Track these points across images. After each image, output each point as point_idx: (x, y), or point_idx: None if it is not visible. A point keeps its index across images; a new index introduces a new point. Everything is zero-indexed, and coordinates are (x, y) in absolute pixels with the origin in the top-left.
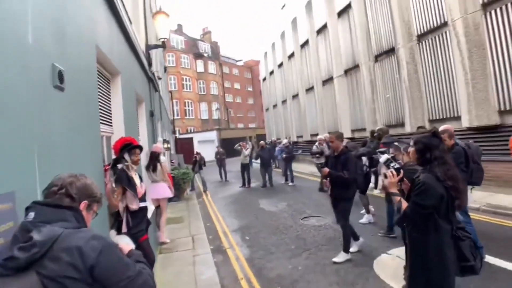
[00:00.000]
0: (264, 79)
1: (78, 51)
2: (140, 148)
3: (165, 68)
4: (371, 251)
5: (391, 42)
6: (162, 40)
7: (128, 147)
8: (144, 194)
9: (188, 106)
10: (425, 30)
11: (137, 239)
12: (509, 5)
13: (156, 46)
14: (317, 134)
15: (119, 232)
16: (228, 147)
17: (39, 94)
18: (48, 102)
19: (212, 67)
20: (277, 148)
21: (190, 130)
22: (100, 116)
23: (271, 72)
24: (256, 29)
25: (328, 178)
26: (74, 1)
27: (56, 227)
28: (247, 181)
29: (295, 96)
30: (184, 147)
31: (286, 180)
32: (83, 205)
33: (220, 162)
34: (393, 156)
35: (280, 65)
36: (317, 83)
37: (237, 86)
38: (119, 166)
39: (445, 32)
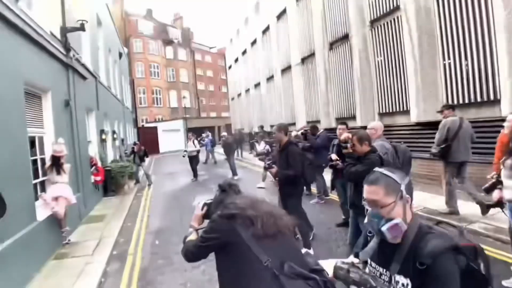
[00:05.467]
0: (230, 67)
1: None
2: None
3: (120, 54)
4: None
5: (345, 28)
6: (81, 22)
7: None
8: None
9: (156, 94)
10: (378, 15)
11: None
12: None
13: (74, 29)
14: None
15: None
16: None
17: None
18: None
19: (182, 54)
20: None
21: (159, 119)
22: None
23: (236, 60)
24: (229, 15)
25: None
26: None
27: None
28: (194, 174)
29: (257, 85)
30: (147, 136)
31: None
32: None
33: (228, 153)
34: None
35: (244, 52)
36: (277, 72)
37: (210, 73)
38: None
39: (397, 17)
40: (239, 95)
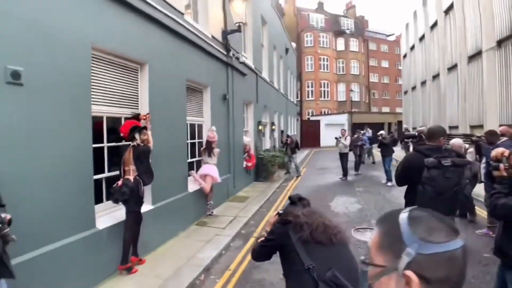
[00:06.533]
0: (405, 56)
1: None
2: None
3: (287, 50)
4: None
5: None
6: (238, 24)
7: (137, 128)
8: None
9: (324, 87)
10: None
11: None
12: None
13: (232, 31)
14: (456, 127)
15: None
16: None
17: None
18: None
19: (354, 45)
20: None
21: (325, 112)
22: (125, 101)
23: (412, 47)
24: None
25: None
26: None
27: None
28: (344, 172)
29: (435, 77)
30: (309, 129)
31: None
32: None
33: (384, 155)
34: None
35: (422, 38)
36: (461, 60)
37: (385, 64)
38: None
39: None
40: (413, 88)
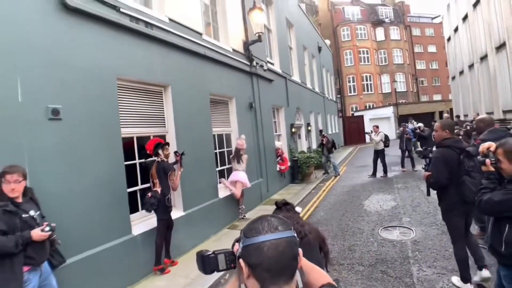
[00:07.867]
0: (449, 39)
1: (88, 84)
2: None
3: (320, 48)
4: None
5: None
6: (258, 34)
7: (161, 145)
8: None
9: (366, 81)
10: None
11: None
12: None
13: (253, 42)
14: (511, 111)
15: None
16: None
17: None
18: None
19: (395, 33)
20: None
21: (369, 106)
22: (152, 121)
23: (456, 29)
24: None
25: None
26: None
27: None
28: (383, 169)
29: (483, 58)
30: (352, 126)
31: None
32: None
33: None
34: None
35: (465, 18)
36: (510, 36)
37: (431, 49)
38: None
39: None
40: (461, 73)
